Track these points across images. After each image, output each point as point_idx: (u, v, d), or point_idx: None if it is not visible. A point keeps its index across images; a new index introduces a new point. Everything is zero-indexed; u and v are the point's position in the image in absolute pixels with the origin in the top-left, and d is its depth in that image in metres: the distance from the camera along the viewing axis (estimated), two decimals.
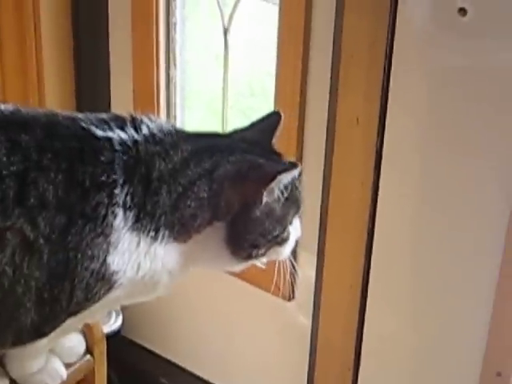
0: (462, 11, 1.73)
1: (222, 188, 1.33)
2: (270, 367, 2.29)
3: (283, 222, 1.38)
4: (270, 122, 1.47)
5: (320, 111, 1.97)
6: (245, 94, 2.18)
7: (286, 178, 1.34)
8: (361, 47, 1.87)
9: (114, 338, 1.79)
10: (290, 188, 1.36)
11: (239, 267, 1.40)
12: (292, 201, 1.38)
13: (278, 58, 1.99)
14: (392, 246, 2.02)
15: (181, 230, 1.34)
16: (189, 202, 1.32)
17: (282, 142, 1.49)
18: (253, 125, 1.46)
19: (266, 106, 2.06)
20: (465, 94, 1.81)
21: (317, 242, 2.02)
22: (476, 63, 1.78)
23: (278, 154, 1.43)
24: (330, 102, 1.94)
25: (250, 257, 1.39)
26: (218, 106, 2.17)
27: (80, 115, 1.37)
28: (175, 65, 2.17)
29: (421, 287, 2.01)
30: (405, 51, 1.84)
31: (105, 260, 1.30)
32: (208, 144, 1.38)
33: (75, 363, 1.58)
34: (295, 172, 1.34)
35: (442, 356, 2.02)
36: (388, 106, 1.89)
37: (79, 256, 1.29)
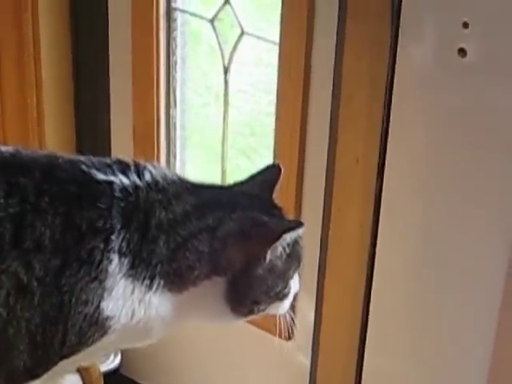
0: (462, 52, 1.73)
1: (225, 246, 1.32)
2: None
3: (285, 278, 1.38)
4: (269, 175, 1.47)
5: (320, 151, 1.97)
6: (245, 134, 2.18)
7: (290, 237, 1.33)
8: (361, 87, 1.86)
9: (112, 377, 1.76)
10: (292, 244, 1.35)
11: (237, 322, 1.37)
12: (294, 256, 1.37)
13: (277, 98, 1.99)
14: (391, 289, 2.01)
15: (176, 281, 1.33)
16: (187, 254, 1.31)
17: (281, 181, 1.47)
18: (252, 177, 1.46)
19: (265, 146, 2.07)
20: (464, 135, 1.81)
21: (316, 283, 2.01)
22: (476, 104, 1.77)
23: (279, 209, 1.43)
24: (329, 141, 1.94)
25: (250, 313, 1.38)
26: (218, 146, 2.18)
27: (82, 158, 1.37)
28: (175, 104, 2.18)
29: (420, 330, 2.00)
30: (405, 91, 1.84)
31: (99, 305, 1.29)
32: (211, 198, 1.38)
33: None
34: (300, 231, 1.34)
35: None
36: (388, 146, 1.88)
37: (73, 300, 1.28)
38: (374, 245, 1.96)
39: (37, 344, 1.30)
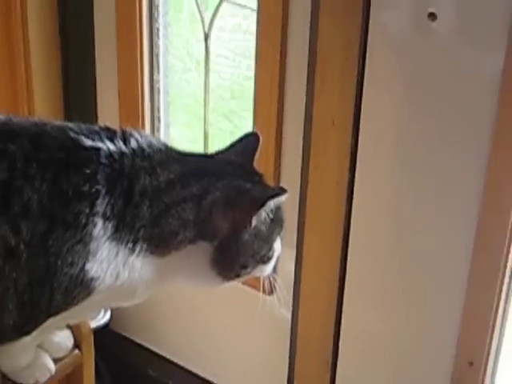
0: (432, 16, 1.74)
1: (211, 214, 1.33)
2: (252, 358, 2.30)
3: (269, 242, 1.39)
4: (249, 143, 1.47)
5: (297, 113, 1.98)
6: (225, 98, 2.18)
7: (274, 203, 1.34)
8: (335, 51, 1.87)
9: (102, 332, 1.79)
10: (274, 210, 1.36)
11: (222, 285, 1.40)
12: (276, 221, 1.38)
13: (256, 63, 1.99)
14: (367, 243, 2.02)
15: (159, 245, 1.34)
16: (170, 220, 1.32)
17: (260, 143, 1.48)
18: (233, 145, 1.46)
19: (245, 109, 2.07)
20: (433, 96, 1.82)
21: (295, 240, 2.02)
22: (444, 65, 1.78)
23: (260, 175, 1.44)
24: (306, 104, 1.95)
25: (237, 276, 1.39)
26: (200, 109, 2.18)
27: (71, 125, 1.37)
28: (158, 69, 2.18)
29: (396, 282, 2.02)
30: (377, 55, 1.85)
31: (83, 267, 1.30)
32: (196, 167, 1.38)
33: (64, 358, 1.58)
34: (283, 197, 1.35)
35: (417, 347, 2.04)
36: (362, 107, 1.89)
37: (59, 262, 1.29)
38: (350, 200, 1.98)
39: (25, 303, 1.31)
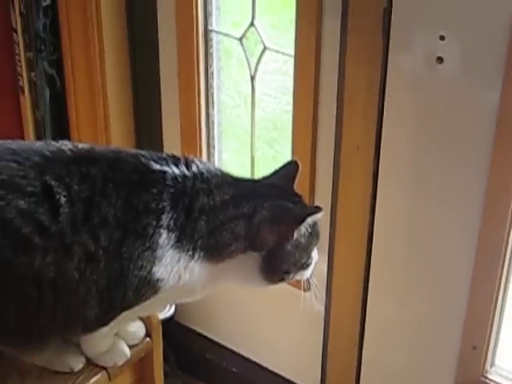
0: (440, 59, 1.74)
1: (259, 230, 1.33)
2: (292, 343, 2.31)
3: (308, 251, 1.39)
4: (290, 169, 1.46)
5: (328, 140, 1.98)
6: (268, 128, 2.19)
7: (312, 219, 1.35)
8: (359, 90, 1.87)
9: (168, 323, 1.79)
10: (312, 225, 1.37)
11: (267, 287, 1.40)
12: (314, 234, 1.38)
13: (294, 100, 2.00)
14: (388, 247, 2.02)
15: (214, 254, 1.34)
16: (224, 234, 1.33)
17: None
18: (276, 172, 1.45)
19: (285, 138, 2.07)
20: (441, 125, 1.82)
21: (327, 245, 2.03)
22: (450, 100, 1.78)
23: (300, 196, 1.43)
24: (335, 133, 1.95)
25: (281, 280, 1.40)
26: (248, 138, 2.19)
27: (143, 152, 1.38)
28: (213, 105, 2.18)
29: (411, 278, 2.02)
30: (395, 93, 1.84)
31: (151, 270, 1.32)
32: (246, 190, 1.38)
33: (137, 345, 1.58)
34: (319, 215, 1.36)
35: (428, 333, 2.03)
36: (382, 135, 1.89)
37: (131, 265, 1.31)
38: (373, 213, 1.98)
39: (103, 300, 1.33)
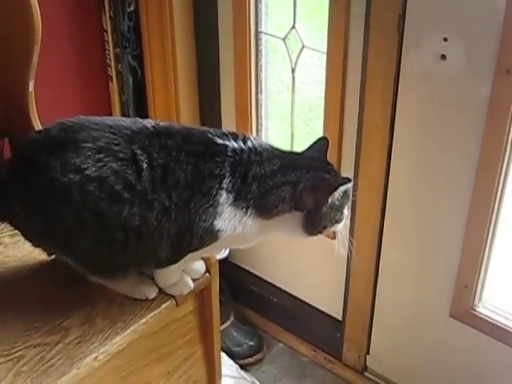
0: (443, 57, 1.73)
1: (301, 195, 1.32)
2: (321, 280, 2.30)
3: (341, 210, 1.38)
4: (322, 144, 1.44)
5: (352, 120, 1.97)
6: (305, 110, 2.18)
7: (343, 188, 1.34)
8: (378, 80, 1.86)
9: (224, 262, 1.80)
10: (344, 190, 1.35)
11: (307, 238, 1.39)
12: (345, 197, 1.37)
13: (326, 87, 1.98)
14: (397, 206, 2.01)
15: (264, 212, 1.34)
16: (272, 197, 1.32)
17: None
18: (312, 146, 1.43)
19: (318, 118, 2.05)
20: (445, 108, 1.81)
21: (351, 204, 1.99)
22: (451, 90, 1.77)
23: (332, 165, 1.41)
24: (358, 114, 1.94)
25: (319, 233, 1.38)
26: (288, 118, 2.18)
27: (210, 129, 1.38)
28: (261, 92, 2.17)
29: (416, 229, 2.01)
30: (406, 83, 1.84)
31: (212, 222, 1.31)
32: (291, 161, 1.36)
33: (199, 279, 1.58)
34: (350, 185, 1.35)
35: (429, 274, 2.03)
36: (396, 117, 1.88)
37: (197, 218, 1.31)
38: (387, 179, 1.97)
39: (174, 244, 1.34)
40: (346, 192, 1.36)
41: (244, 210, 1.32)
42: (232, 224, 1.33)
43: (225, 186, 1.30)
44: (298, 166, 1.35)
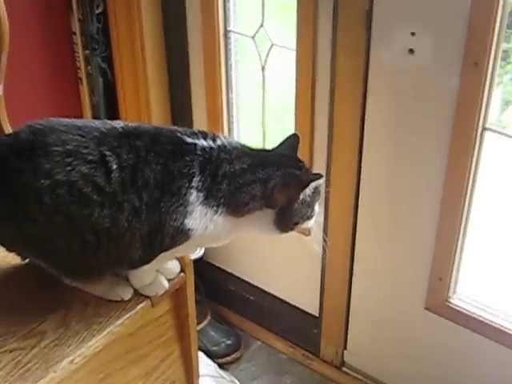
0: (411, 51, 1.73)
1: (273, 192, 1.32)
2: (297, 278, 2.31)
3: (312, 206, 1.38)
4: (293, 141, 1.43)
5: (323, 117, 1.97)
6: (276, 108, 2.18)
7: (314, 184, 1.34)
8: (348, 76, 1.87)
9: (199, 262, 1.79)
10: (314, 187, 1.35)
11: (280, 236, 1.39)
12: (316, 193, 1.37)
13: (296, 85, 1.98)
14: (370, 201, 2.02)
15: (235, 210, 1.33)
16: (243, 195, 1.32)
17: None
18: (282, 143, 1.43)
19: (290, 114, 2.05)
20: (414, 99, 1.82)
21: (324, 200, 2.00)
22: (419, 83, 1.78)
23: (303, 162, 1.41)
24: (329, 110, 1.94)
25: (291, 230, 1.38)
26: (260, 116, 2.18)
27: (179, 128, 1.37)
28: (232, 91, 2.16)
29: (391, 225, 2.02)
30: (375, 78, 1.84)
31: (183, 221, 1.31)
32: (261, 159, 1.36)
33: (174, 279, 1.57)
34: (321, 181, 1.35)
35: (404, 268, 2.04)
36: (366, 112, 1.89)
37: (167, 218, 1.30)
38: (359, 174, 1.98)
39: (146, 244, 1.34)
40: (316, 188, 1.36)
41: (215, 208, 1.32)
42: (203, 223, 1.33)
43: (194, 184, 1.30)
44: (268, 164, 1.35)
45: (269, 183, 1.32)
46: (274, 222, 1.35)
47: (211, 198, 1.32)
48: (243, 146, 1.38)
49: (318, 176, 1.35)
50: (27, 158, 1.31)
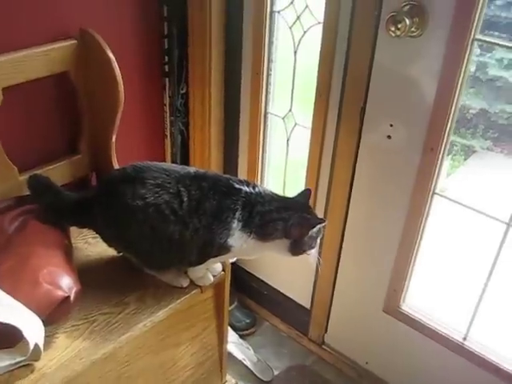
0: (389, 137, 1.70)
1: (290, 229, 1.30)
2: (298, 282, 2.23)
3: (316, 240, 1.36)
4: (306, 193, 1.41)
5: (325, 176, 1.91)
6: (294, 166, 2.12)
7: (319, 226, 1.32)
8: (345, 152, 1.81)
9: (233, 265, 1.77)
10: (319, 228, 1.34)
11: (291, 257, 1.36)
12: (319, 231, 1.35)
13: (309, 153, 1.92)
14: (354, 231, 1.97)
15: (262, 237, 1.32)
16: (269, 228, 1.30)
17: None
18: (299, 194, 1.40)
19: (303, 172, 1.98)
20: (390, 176, 1.76)
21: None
22: (395, 160, 1.74)
23: (311, 208, 1.38)
24: (330, 173, 1.89)
25: (300, 255, 1.35)
26: (283, 170, 2.12)
27: (231, 177, 1.36)
28: (266, 154, 2.11)
29: (365, 248, 1.95)
30: (364, 155, 1.79)
31: (226, 240, 1.30)
32: (284, 204, 1.33)
33: (217, 275, 1.56)
34: (324, 224, 1.33)
35: (370, 280, 1.97)
36: (355, 175, 1.84)
37: (216, 237, 1.30)
38: (346, 213, 1.92)
39: (200, 252, 1.34)
40: (320, 228, 1.34)
41: (248, 233, 1.31)
42: (240, 242, 1.31)
43: (236, 216, 1.29)
44: (289, 208, 1.33)
45: (289, 222, 1.30)
46: (288, 249, 1.33)
47: (247, 226, 1.30)
48: (272, 193, 1.36)
49: (323, 220, 1.33)
50: (129, 185, 1.33)
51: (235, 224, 1.28)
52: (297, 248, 1.33)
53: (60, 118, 1.71)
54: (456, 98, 1.51)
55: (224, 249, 1.32)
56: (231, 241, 1.30)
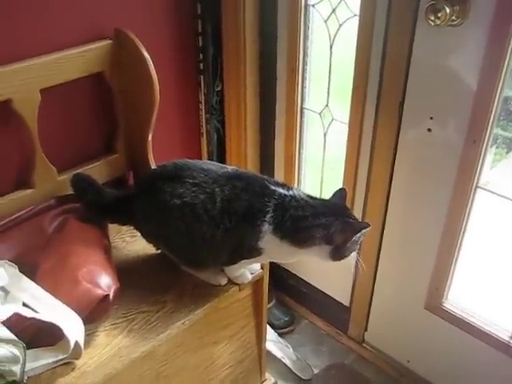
0: (429, 130, 1.67)
1: (332, 236, 1.26)
2: (338, 281, 2.21)
3: (358, 244, 1.32)
4: (342, 193, 1.37)
5: (363, 173, 1.88)
6: (332, 163, 2.09)
7: (364, 230, 1.28)
8: (384, 146, 1.79)
9: (271, 263, 1.76)
10: (361, 233, 1.30)
11: (331, 262, 1.33)
12: (361, 235, 1.31)
13: (347, 149, 1.89)
14: (393, 230, 1.94)
15: (296, 243, 1.29)
16: (305, 235, 1.27)
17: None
18: (335, 194, 1.36)
19: (340, 169, 1.95)
20: (432, 167, 1.73)
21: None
22: (436, 152, 1.70)
23: (349, 210, 1.35)
24: (368, 169, 1.87)
25: (341, 259, 1.32)
26: (320, 167, 2.11)
27: (267, 177, 1.34)
28: (302, 149, 2.09)
29: (405, 244, 1.92)
30: (403, 147, 1.76)
31: (256, 242, 1.28)
32: (322, 210, 1.29)
33: (255, 273, 1.56)
34: (368, 228, 1.28)
35: (412, 278, 1.93)
36: (394, 169, 1.81)
37: (247, 239, 1.28)
38: (386, 212, 1.89)
39: (230, 253, 1.33)
40: (362, 232, 1.31)
41: (280, 237, 1.27)
42: (271, 246, 1.29)
43: (267, 219, 1.26)
44: (327, 213, 1.28)
45: (330, 229, 1.26)
46: (329, 255, 1.30)
47: (277, 230, 1.27)
48: (307, 197, 1.32)
49: (367, 225, 1.28)
50: (168, 183, 1.33)
51: (265, 227, 1.26)
52: (338, 254, 1.29)
53: (96, 118, 1.72)
54: (499, 89, 1.47)
55: (255, 251, 1.30)
56: (262, 243, 1.27)
